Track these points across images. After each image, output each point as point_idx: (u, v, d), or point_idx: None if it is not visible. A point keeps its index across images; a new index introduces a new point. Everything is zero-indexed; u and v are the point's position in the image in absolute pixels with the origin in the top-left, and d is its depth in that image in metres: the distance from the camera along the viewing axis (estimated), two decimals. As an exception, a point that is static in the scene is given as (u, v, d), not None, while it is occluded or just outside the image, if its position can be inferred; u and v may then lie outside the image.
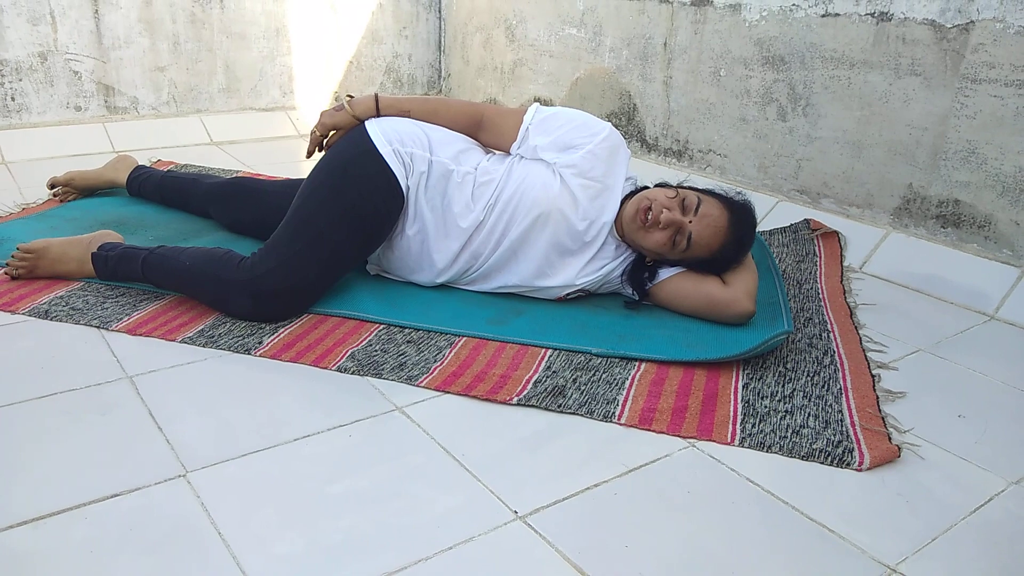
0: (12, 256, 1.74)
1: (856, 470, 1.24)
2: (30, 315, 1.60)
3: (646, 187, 1.76)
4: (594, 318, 1.69)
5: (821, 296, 1.89)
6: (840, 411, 1.39)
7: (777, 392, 1.45)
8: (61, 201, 2.28)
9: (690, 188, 1.72)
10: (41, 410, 1.29)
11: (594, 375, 1.47)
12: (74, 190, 2.31)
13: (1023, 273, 1.90)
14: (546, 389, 1.41)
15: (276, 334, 1.56)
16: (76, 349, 1.49)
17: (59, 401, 1.32)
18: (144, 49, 3.01)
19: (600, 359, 1.53)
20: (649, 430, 1.32)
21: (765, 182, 2.48)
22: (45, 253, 1.73)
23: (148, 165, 2.57)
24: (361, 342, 1.55)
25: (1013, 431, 1.39)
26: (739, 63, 2.48)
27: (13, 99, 2.80)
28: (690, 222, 1.64)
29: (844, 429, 1.34)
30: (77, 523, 1.04)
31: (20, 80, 2.80)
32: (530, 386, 1.42)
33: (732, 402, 1.41)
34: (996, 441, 1.35)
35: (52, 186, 2.30)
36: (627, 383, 1.45)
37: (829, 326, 1.72)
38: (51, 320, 1.59)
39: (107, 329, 1.56)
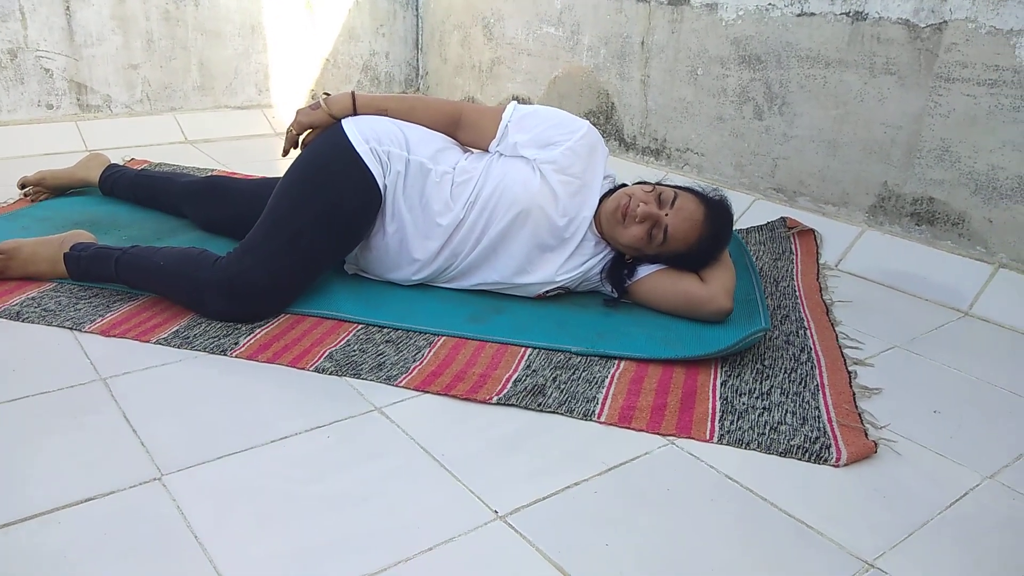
0: (-18, 257, 1.71)
1: (833, 466, 1.25)
2: (1, 316, 1.57)
3: (624, 185, 1.76)
4: (573, 316, 1.69)
5: (798, 293, 1.90)
6: (817, 407, 1.40)
7: (755, 389, 1.45)
8: (32, 201, 2.25)
9: (667, 185, 1.72)
10: (12, 414, 1.27)
11: (574, 374, 1.47)
12: (45, 189, 2.27)
13: (996, 269, 1.92)
14: (526, 388, 1.40)
15: (252, 334, 1.54)
16: (48, 351, 1.47)
17: (31, 404, 1.30)
18: (117, 46, 2.97)
19: (580, 357, 1.53)
20: (628, 428, 1.32)
21: (742, 180, 2.50)
22: (16, 254, 1.70)
23: (121, 164, 2.54)
24: (339, 342, 1.54)
25: (987, 426, 1.40)
26: (716, 62, 2.49)
27: (-18, 97, 2.76)
28: (666, 215, 1.64)
29: (821, 425, 1.34)
30: (50, 528, 1.03)
31: (-11, 78, 2.75)
32: (510, 385, 1.41)
33: (710, 399, 1.41)
34: (971, 436, 1.36)
35: (23, 186, 2.26)
36: (606, 381, 1.45)
37: (806, 323, 1.74)
38: (23, 322, 1.56)
39: (80, 330, 1.54)
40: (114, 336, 1.53)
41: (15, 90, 2.81)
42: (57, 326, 1.55)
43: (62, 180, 2.28)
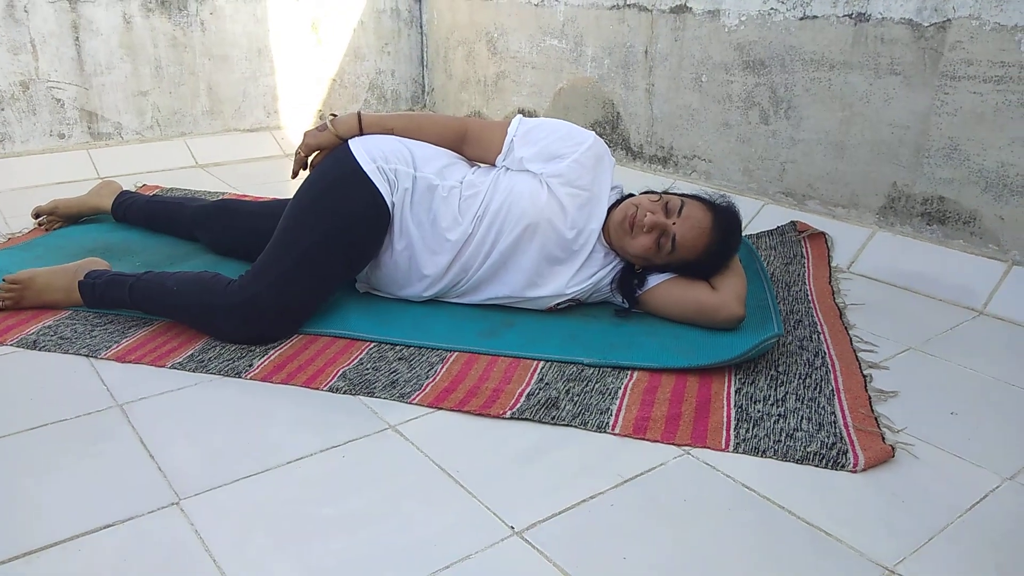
0: (-2, 287, 1.73)
1: (851, 472, 1.24)
2: (18, 346, 1.59)
3: (631, 195, 1.77)
4: (585, 328, 1.69)
5: (810, 298, 1.89)
6: (833, 413, 1.39)
7: (770, 396, 1.45)
8: (46, 230, 2.27)
9: (674, 193, 1.72)
10: (31, 442, 1.28)
11: (587, 385, 1.47)
12: (59, 218, 2.29)
13: (1010, 267, 1.91)
14: (539, 402, 1.40)
15: (266, 356, 1.55)
16: (65, 379, 1.48)
17: (49, 432, 1.31)
18: (126, 74, 3.01)
19: (592, 369, 1.53)
20: (643, 439, 1.32)
21: (750, 185, 2.49)
22: (31, 283, 1.72)
23: (133, 190, 2.56)
24: (352, 361, 1.54)
25: (1005, 427, 1.39)
26: (720, 68, 2.49)
27: (-4, 129, 2.80)
28: (673, 224, 1.64)
29: (837, 431, 1.34)
30: (71, 556, 1.04)
31: (2, 110, 2.79)
32: (523, 399, 1.41)
33: (725, 408, 1.41)
34: (989, 437, 1.35)
35: (37, 215, 2.29)
36: (620, 392, 1.45)
37: (819, 327, 1.73)
38: (39, 350, 1.58)
39: (96, 357, 1.55)
40: (130, 362, 1.54)
41: (28, 121, 2.85)
42: (73, 353, 1.56)
43: (75, 208, 2.31)
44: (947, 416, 1.41)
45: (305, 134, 1.78)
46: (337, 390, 1.45)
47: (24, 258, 2.01)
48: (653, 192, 1.75)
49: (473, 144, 1.79)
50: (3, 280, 1.73)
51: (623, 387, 1.47)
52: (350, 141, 1.74)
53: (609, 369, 1.53)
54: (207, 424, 1.35)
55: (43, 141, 2.90)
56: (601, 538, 1.09)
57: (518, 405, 1.39)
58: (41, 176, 2.79)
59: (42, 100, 2.86)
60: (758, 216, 2.39)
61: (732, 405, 1.42)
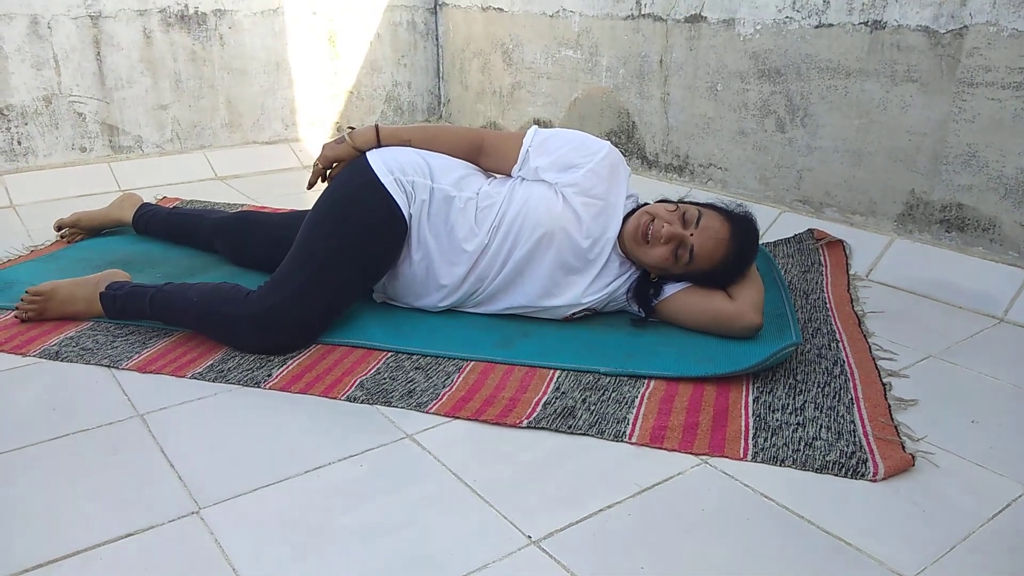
0: (21, 299, 1.76)
1: (871, 481, 1.23)
2: (41, 357, 1.61)
3: (647, 204, 1.77)
4: (601, 337, 1.69)
5: (828, 306, 1.88)
6: (852, 421, 1.38)
7: (788, 405, 1.44)
8: (69, 242, 2.30)
9: (691, 203, 1.72)
10: (53, 452, 1.30)
11: (603, 394, 1.47)
12: (81, 231, 2.33)
13: (1030, 274, 1.89)
14: (556, 411, 1.40)
15: (285, 366, 1.56)
16: (87, 389, 1.50)
17: (71, 442, 1.33)
18: (146, 88, 3.05)
19: (609, 378, 1.53)
20: (661, 448, 1.32)
21: (767, 194, 2.48)
22: (54, 295, 1.75)
23: (154, 202, 2.59)
24: (370, 370, 1.55)
25: (1028, 435, 1.38)
26: (735, 77, 2.49)
27: (20, 143, 2.84)
28: (691, 235, 1.64)
29: (857, 439, 1.33)
30: (92, 565, 1.05)
31: (26, 124, 2.83)
32: (539, 408, 1.42)
33: (743, 417, 1.40)
34: (1010, 446, 1.34)
35: (59, 228, 2.32)
36: (636, 401, 1.45)
37: (838, 336, 1.72)
38: (62, 361, 1.60)
39: (117, 368, 1.57)
40: (151, 372, 1.55)
41: (50, 135, 2.89)
42: (95, 364, 1.58)
43: (97, 221, 2.34)
44: (968, 424, 1.40)
45: (323, 146, 1.80)
46: (355, 399, 1.46)
47: (46, 270, 2.04)
48: (669, 201, 1.75)
49: (489, 155, 1.80)
50: (26, 292, 1.76)
51: (640, 396, 1.46)
52: (368, 153, 1.75)
53: (626, 378, 1.53)
54: (226, 434, 1.36)
55: (65, 154, 2.94)
56: (619, 548, 1.09)
57: (535, 414, 1.40)
58: (63, 189, 2.83)
59: (64, 114, 2.90)
60: (775, 224, 2.38)
61: (750, 414, 1.41)
